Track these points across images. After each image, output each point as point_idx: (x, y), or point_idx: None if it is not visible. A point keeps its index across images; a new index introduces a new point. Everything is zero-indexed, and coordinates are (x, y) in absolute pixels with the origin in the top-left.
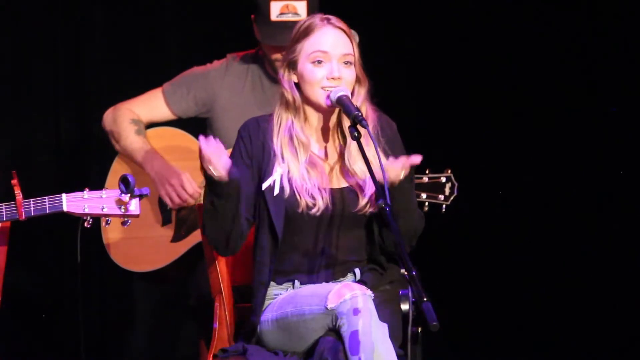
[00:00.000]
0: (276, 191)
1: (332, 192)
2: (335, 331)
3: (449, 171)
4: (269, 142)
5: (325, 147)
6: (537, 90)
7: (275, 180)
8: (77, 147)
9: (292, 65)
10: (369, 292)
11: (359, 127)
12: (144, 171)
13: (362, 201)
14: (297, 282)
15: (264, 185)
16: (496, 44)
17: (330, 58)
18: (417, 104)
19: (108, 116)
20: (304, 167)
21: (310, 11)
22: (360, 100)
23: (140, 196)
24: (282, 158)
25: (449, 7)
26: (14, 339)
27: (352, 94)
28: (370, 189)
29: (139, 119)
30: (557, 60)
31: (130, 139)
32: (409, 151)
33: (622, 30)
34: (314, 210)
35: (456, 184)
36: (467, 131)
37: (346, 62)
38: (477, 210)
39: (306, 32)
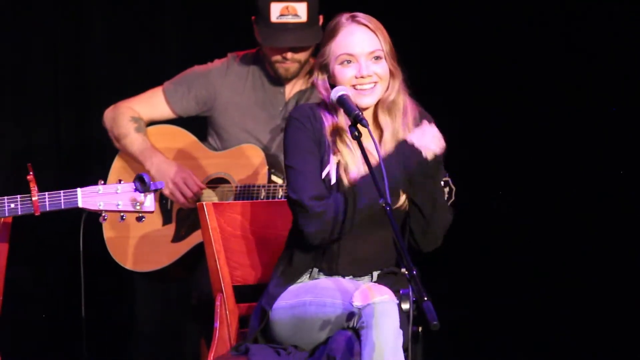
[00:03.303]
0: (333, 180)
1: None
2: (351, 329)
3: (447, 175)
4: (324, 132)
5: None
6: (537, 91)
7: (332, 168)
8: (77, 147)
9: (324, 68)
10: (396, 299)
11: (359, 126)
12: (144, 169)
13: (402, 196)
14: (315, 270)
15: (323, 174)
16: (496, 44)
17: (357, 58)
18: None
19: (108, 114)
20: (360, 161)
21: (311, 13)
22: (394, 93)
23: (156, 190)
24: (338, 151)
25: (449, 7)
26: (15, 339)
27: (387, 87)
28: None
29: (139, 117)
30: (557, 61)
31: (130, 136)
32: None
33: (622, 30)
34: None
35: (454, 189)
36: (467, 131)
37: (375, 58)
38: (476, 210)
39: (332, 33)
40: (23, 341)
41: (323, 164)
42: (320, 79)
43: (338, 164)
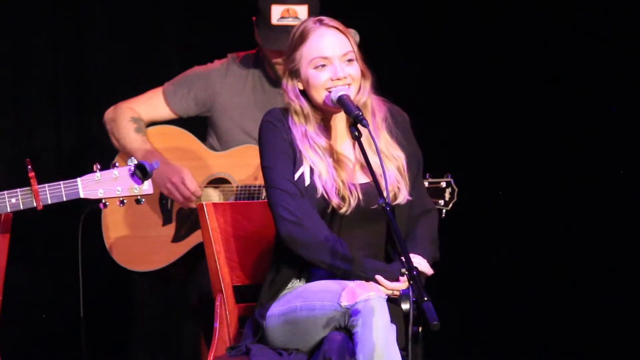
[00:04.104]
0: (307, 182)
1: (358, 187)
2: (344, 329)
3: (449, 176)
4: (292, 137)
5: (347, 144)
6: (537, 91)
7: (304, 171)
8: (77, 147)
9: (294, 74)
10: (383, 295)
11: (360, 126)
12: None
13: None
14: (304, 274)
15: (296, 175)
16: (495, 45)
17: (331, 60)
18: (416, 108)
19: (109, 114)
20: (332, 167)
21: (311, 15)
22: (365, 95)
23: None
24: (308, 158)
25: (449, 8)
26: (14, 338)
27: (359, 89)
28: (389, 181)
29: (139, 117)
30: (557, 61)
31: (130, 137)
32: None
33: (622, 30)
34: (343, 210)
35: (456, 189)
36: (467, 133)
37: (348, 60)
38: (477, 211)
39: (302, 38)
40: (23, 341)
41: (296, 165)
42: (290, 84)
43: (312, 169)
